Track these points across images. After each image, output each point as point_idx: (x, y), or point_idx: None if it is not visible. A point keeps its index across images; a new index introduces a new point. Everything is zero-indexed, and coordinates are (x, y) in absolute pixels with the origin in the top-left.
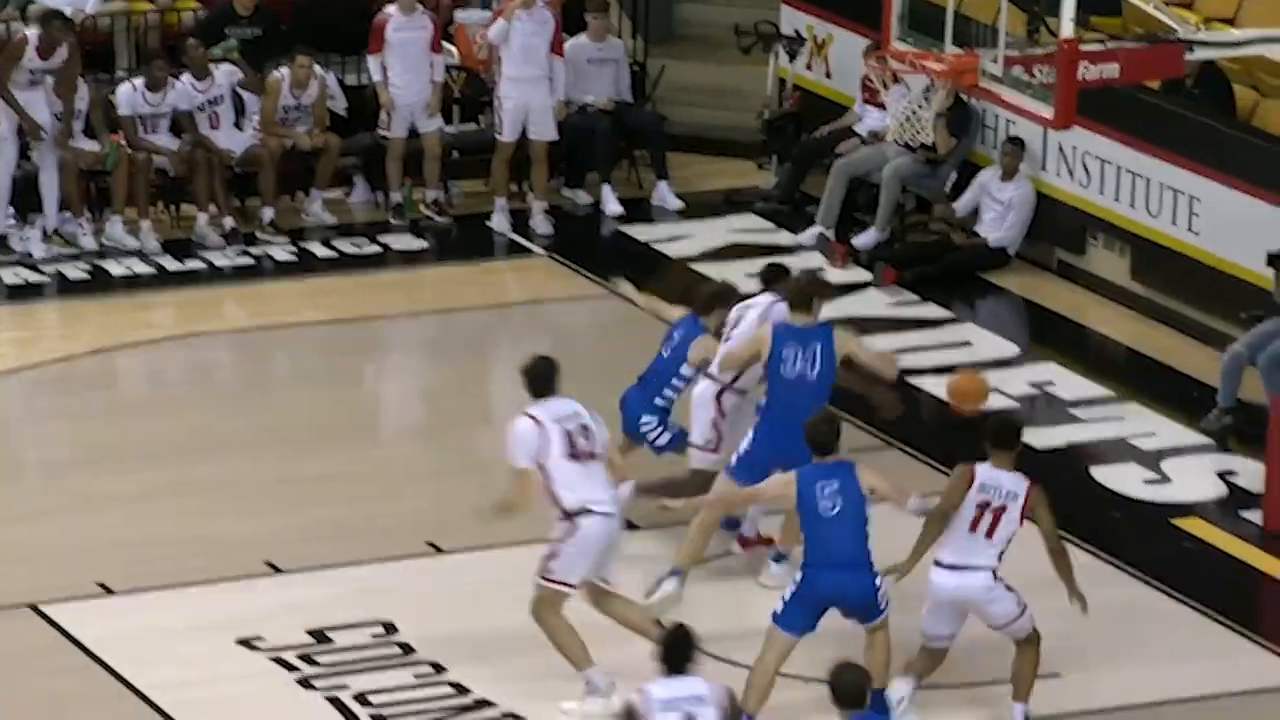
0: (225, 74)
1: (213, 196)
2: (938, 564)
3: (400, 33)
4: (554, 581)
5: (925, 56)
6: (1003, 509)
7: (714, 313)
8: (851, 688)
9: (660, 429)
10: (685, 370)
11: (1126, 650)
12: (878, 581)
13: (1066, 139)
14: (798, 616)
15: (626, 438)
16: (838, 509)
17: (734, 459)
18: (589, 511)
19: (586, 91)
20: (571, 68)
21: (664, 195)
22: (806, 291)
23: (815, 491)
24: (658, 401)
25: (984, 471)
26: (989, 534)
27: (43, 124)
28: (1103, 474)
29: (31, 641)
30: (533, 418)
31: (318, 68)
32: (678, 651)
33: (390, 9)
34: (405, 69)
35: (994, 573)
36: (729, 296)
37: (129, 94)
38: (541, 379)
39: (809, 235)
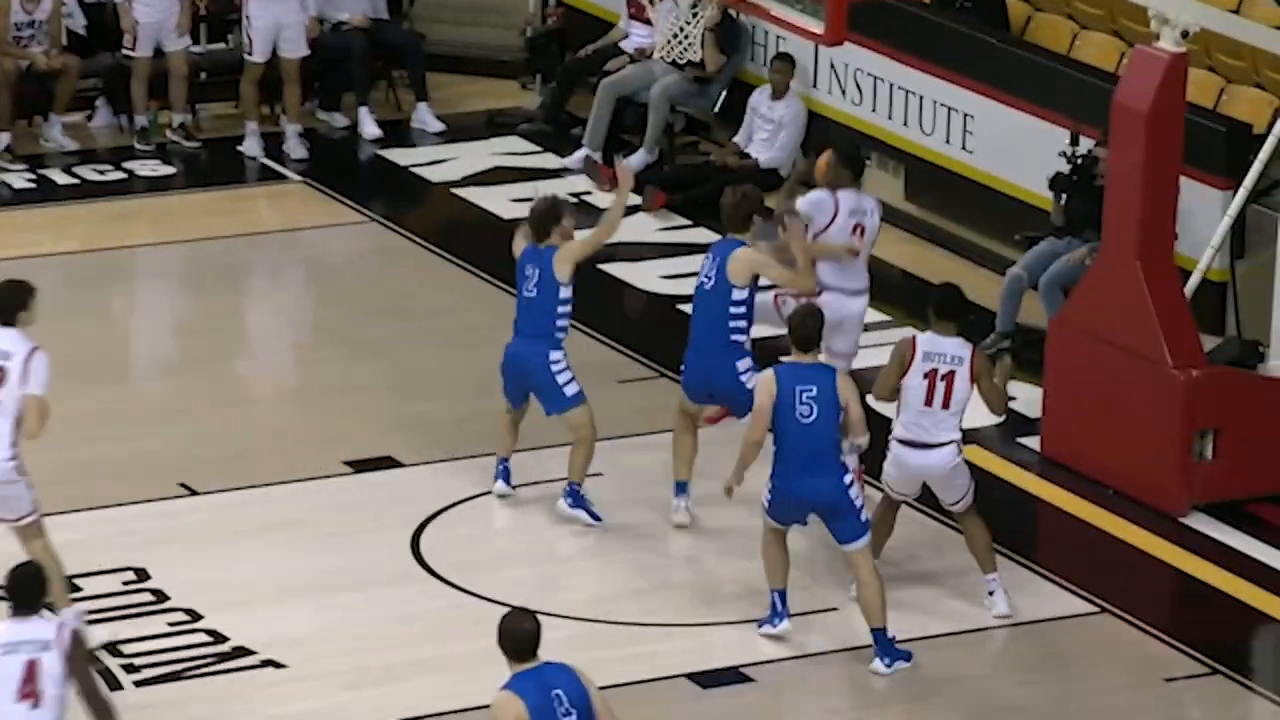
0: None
1: None
2: (901, 442)
3: None
4: None
5: None
6: (951, 374)
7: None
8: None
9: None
10: (565, 294)
11: (906, 581)
12: (848, 480)
13: (838, 55)
14: (782, 511)
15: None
16: (814, 416)
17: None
18: None
19: (340, 8)
20: None
21: (424, 117)
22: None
23: (793, 395)
24: (559, 336)
25: (926, 340)
26: (945, 403)
27: None
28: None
29: None
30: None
31: None
32: (24, 592)
33: None
34: None
35: (958, 445)
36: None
37: None
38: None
39: (575, 158)
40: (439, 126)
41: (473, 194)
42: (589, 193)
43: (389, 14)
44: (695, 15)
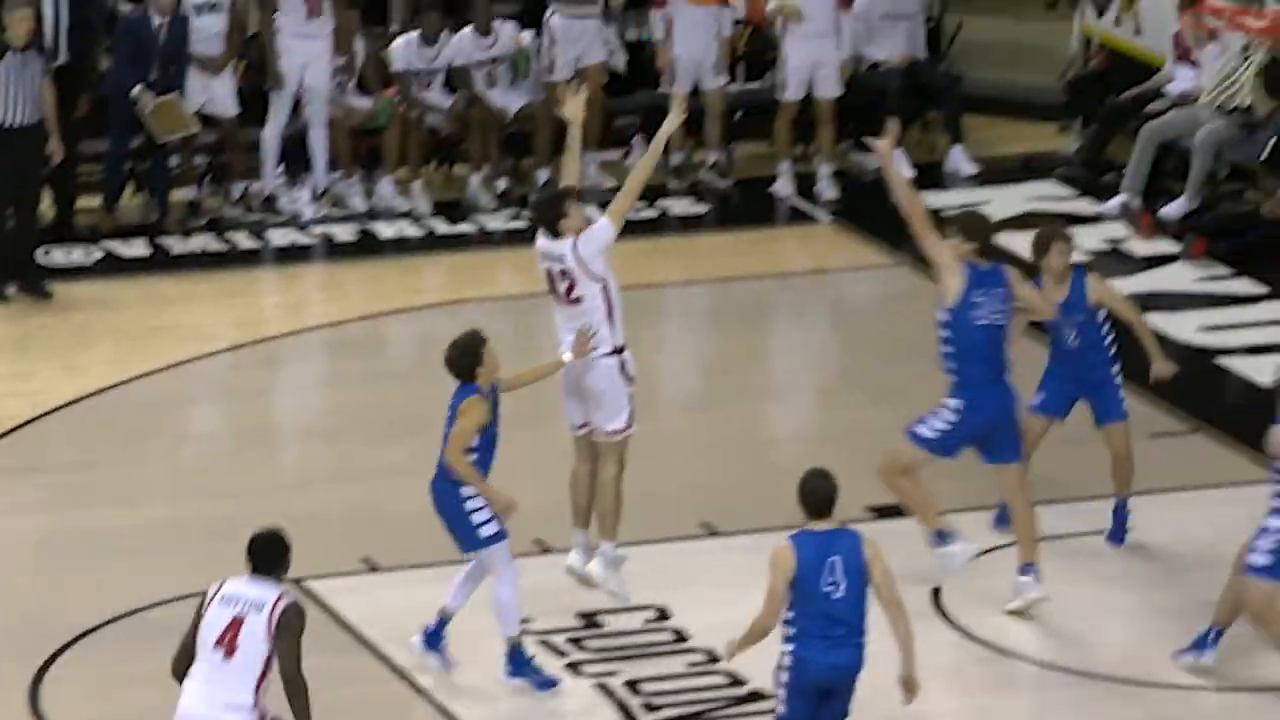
0: (509, 32)
1: (487, 156)
2: None
3: None
4: None
5: (1245, 12)
6: None
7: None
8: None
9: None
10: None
11: None
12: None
13: None
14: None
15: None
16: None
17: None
18: None
19: (879, 48)
20: (863, 23)
21: (958, 160)
22: None
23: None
24: None
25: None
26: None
27: (318, 80)
28: None
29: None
30: None
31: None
32: (265, 553)
33: None
34: (690, 23)
35: None
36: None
37: (404, 48)
38: None
39: (1113, 204)
40: (973, 169)
41: (1005, 239)
42: (1126, 239)
43: (928, 54)
44: (1246, 59)
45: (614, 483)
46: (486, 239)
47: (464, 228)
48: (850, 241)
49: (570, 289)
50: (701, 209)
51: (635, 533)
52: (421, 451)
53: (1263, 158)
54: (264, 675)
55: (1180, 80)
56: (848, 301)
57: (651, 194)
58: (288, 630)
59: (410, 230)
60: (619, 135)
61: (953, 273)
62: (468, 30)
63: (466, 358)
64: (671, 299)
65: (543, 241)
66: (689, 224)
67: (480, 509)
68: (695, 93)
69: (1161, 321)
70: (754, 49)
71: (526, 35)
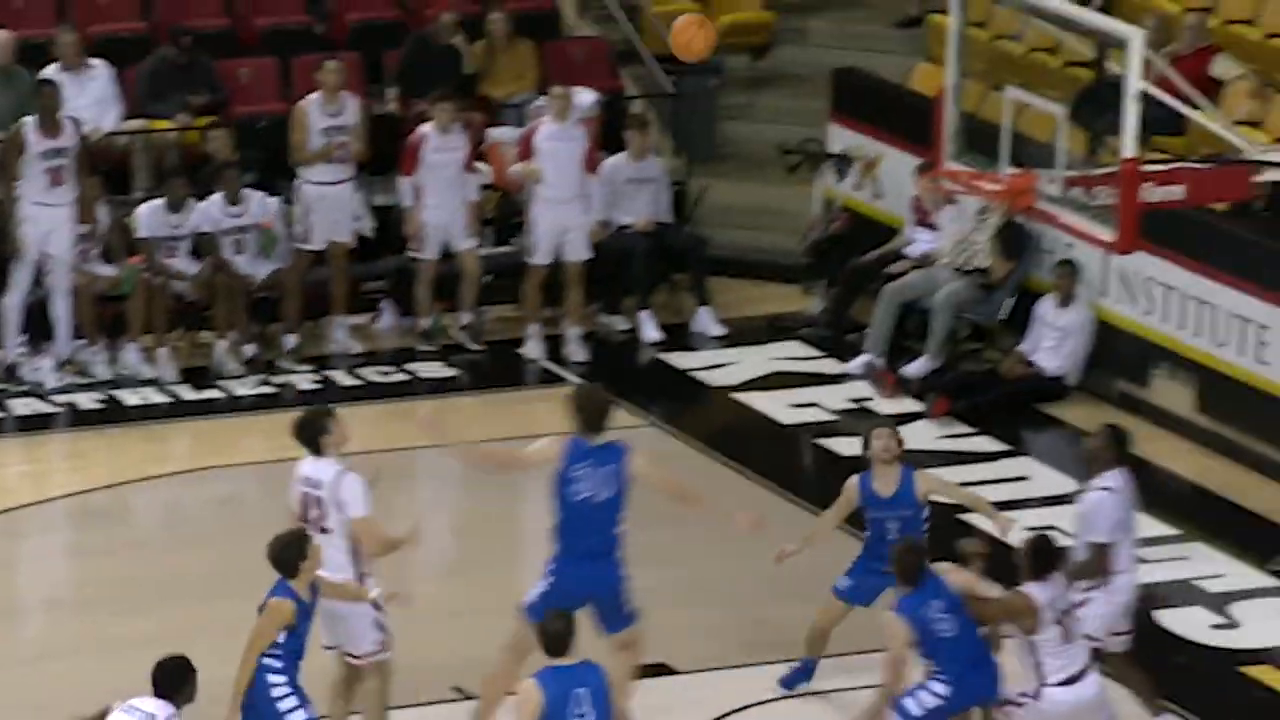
0: (259, 202)
1: (233, 323)
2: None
3: (437, 154)
4: None
5: (980, 177)
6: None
7: None
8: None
9: None
10: None
11: None
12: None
13: (1129, 264)
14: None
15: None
16: None
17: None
18: None
19: (625, 212)
20: (610, 187)
21: (705, 321)
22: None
23: None
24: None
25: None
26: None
27: (60, 248)
28: (1168, 617)
29: None
30: None
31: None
32: (168, 678)
33: (426, 128)
34: (440, 189)
35: None
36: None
37: (149, 215)
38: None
39: (857, 363)
40: (720, 330)
41: (752, 398)
42: (870, 399)
43: (674, 218)
44: (982, 221)
45: (376, 694)
46: (234, 405)
47: (211, 394)
48: None
49: (321, 518)
50: (451, 372)
51: (393, 698)
52: (171, 622)
53: (1001, 317)
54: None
55: (920, 243)
56: None
57: (400, 357)
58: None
59: (156, 397)
60: (367, 299)
61: (546, 449)
62: (216, 197)
63: (290, 550)
64: (423, 462)
65: (305, 465)
66: (439, 387)
67: (290, 700)
68: (446, 256)
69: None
70: (502, 213)
71: (274, 208)
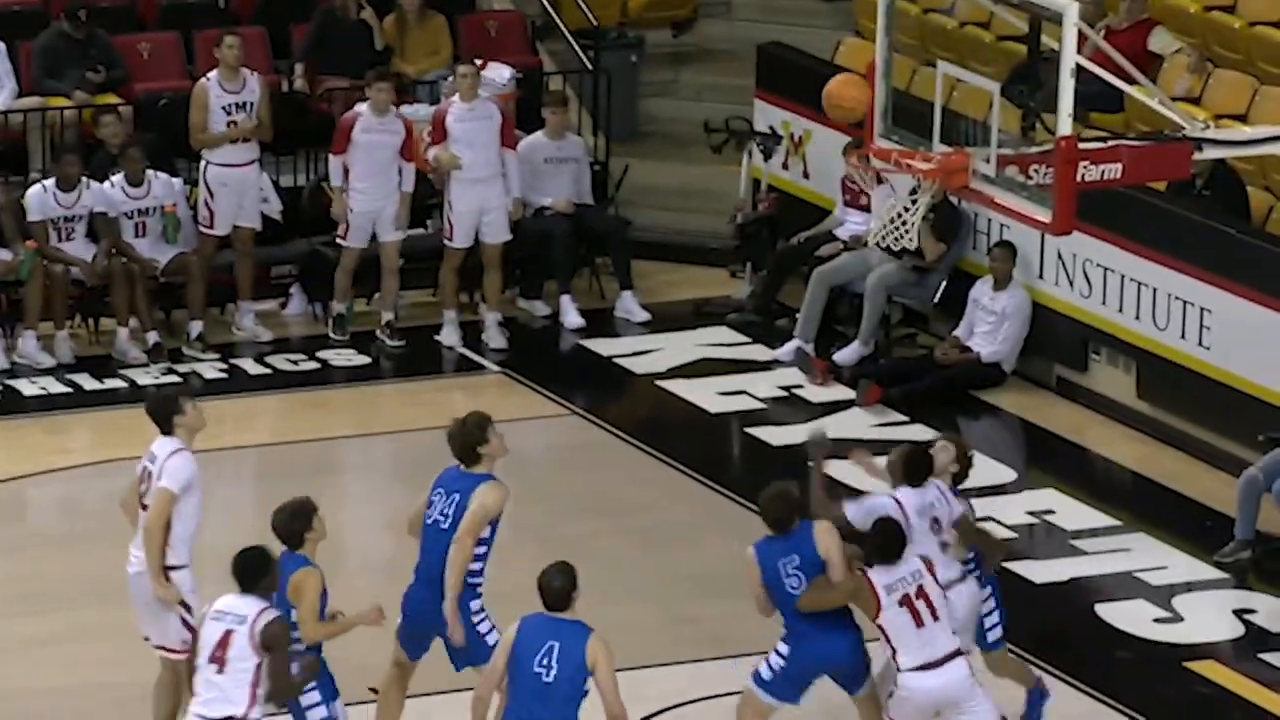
0: (163, 184)
1: (134, 309)
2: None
3: (369, 134)
4: None
5: (911, 155)
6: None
7: None
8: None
9: None
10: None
11: None
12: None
13: (1065, 245)
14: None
15: None
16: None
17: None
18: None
19: (544, 193)
20: (528, 167)
21: (628, 306)
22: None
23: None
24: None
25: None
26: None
27: None
28: (1109, 611)
29: None
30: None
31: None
32: (247, 571)
33: (361, 107)
34: (370, 173)
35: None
36: None
37: (40, 196)
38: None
39: (786, 350)
40: (644, 316)
41: (678, 386)
42: (800, 386)
43: (594, 199)
44: (914, 201)
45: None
46: (137, 395)
47: (113, 383)
48: (519, 391)
49: (147, 494)
50: (365, 360)
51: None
52: (75, 624)
53: (934, 301)
54: (254, 686)
55: (850, 224)
56: (518, 453)
57: (311, 345)
58: (270, 643)
59: (56, 387)
60: (276, 284)
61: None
62: (117, 178)
63: (298, 520)
64: (345, 452)
65: (154, 443)
66: (352, 375)
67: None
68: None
69: (835, 469)
70: (417, 194)
71: (179, 190)
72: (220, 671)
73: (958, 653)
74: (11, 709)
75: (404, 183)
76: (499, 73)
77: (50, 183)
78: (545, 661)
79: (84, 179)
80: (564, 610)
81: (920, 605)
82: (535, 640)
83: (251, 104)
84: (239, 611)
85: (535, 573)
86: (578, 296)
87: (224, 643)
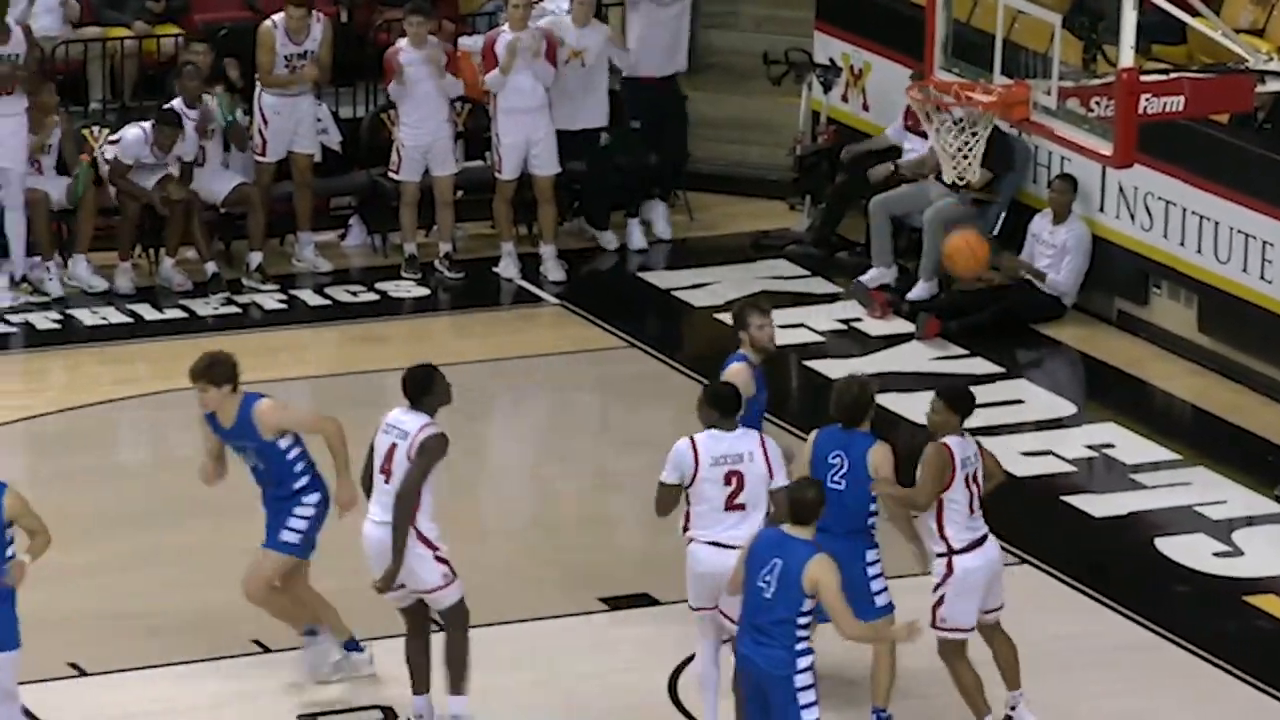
0: (216, 106)
1: (190, 239)
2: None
3: (412, 67)
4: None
5: (972, 88)
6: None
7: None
8: None
9: None
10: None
11: None
12: None
13: (1126, 178)
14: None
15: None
16: None
17: None
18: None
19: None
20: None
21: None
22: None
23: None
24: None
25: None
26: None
27: (12, 161)
28: (1168, 545)
29: None
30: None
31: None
32: (415, 386)
33: (401, 42)
34: (417, 107)
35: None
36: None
37: (138, 142)
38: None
39: (870, 276)
40: (668, 233)
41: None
42: (859, 319)
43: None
44: (975, 135)
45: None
46: (197, 325)
47: (172, 314)
48: (576, 323)
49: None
50: (424, 292)
51: (369, 629)
52: (125, 550)
53: (993, 234)
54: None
55: (912, 149)
56: (575, 385)
57: (370, 276)
58: (423, 454)
59: (115, 317)
60: (335, 216)
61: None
62: (175, 102)
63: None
64: (392, 384)
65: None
66: (411, 307)
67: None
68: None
69: (895, 402)
70: (472, 126)
71: (212, 98)
72: (387, 482)
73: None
74: (85, 634)
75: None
76: (558, 3)
77: (150, 132)
78: (767, 577)
79: (177, 140)
80: (807, 524)
81: (974, 489)
82: (764, 554)
83: (312, 51)
84: (403, 427)
85: (587, 505)
86: (635, 228)
87: (389, 455)
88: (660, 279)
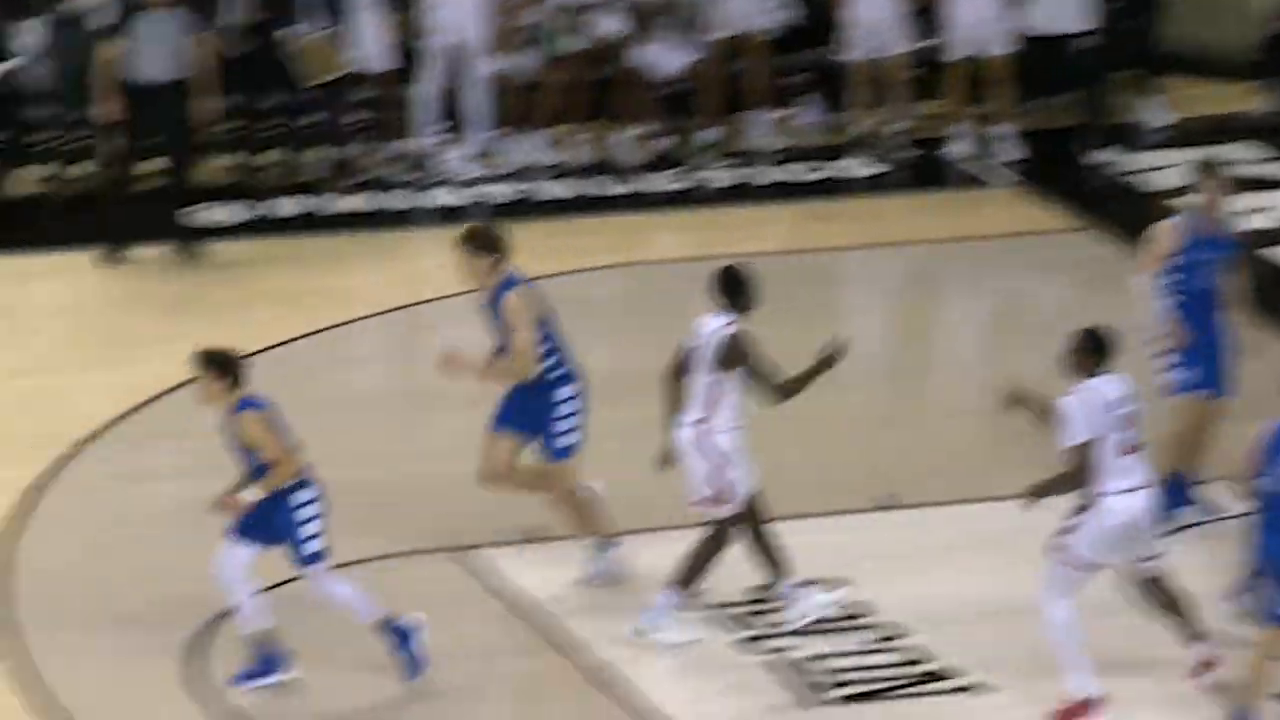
0: None
1: (642, 116)
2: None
3: None
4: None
5: None
6: None
7: None
8: None
9: None
10: None
11: None
12: None
13: None
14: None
15: None
16: None
17: None
18: None
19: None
20: None
21: (1156, 113)
22: None
23: None
24: None
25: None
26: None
27: (474, 35)
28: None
29: (455, 587)
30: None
31: None
32: (722, 286)
33: None
34: None
35: None
36: None
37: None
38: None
39: None
40: (1167, 120)
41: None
42: None
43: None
44: None
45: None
46: (648, 201)
47: (624, 189)
48: (1032, 206)
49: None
50: (877, 170)
51: (813, 505)
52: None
53: None
54: (713, 397)
55: None
56: (1031, 269)
57: (824, 154)
58: (722, 354)
59: (567, 191)
60: (790, 92)
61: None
62: None
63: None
64: (842, 264)
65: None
66: (863, 186)
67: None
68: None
69: None
70: (927, 5)
71: None
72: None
73: None
74: (528, 506)
75: None
76: None
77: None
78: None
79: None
80: None
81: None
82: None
83: None
84: (708, 328)
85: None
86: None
87: (691, 356)
88: (1119, 161)
